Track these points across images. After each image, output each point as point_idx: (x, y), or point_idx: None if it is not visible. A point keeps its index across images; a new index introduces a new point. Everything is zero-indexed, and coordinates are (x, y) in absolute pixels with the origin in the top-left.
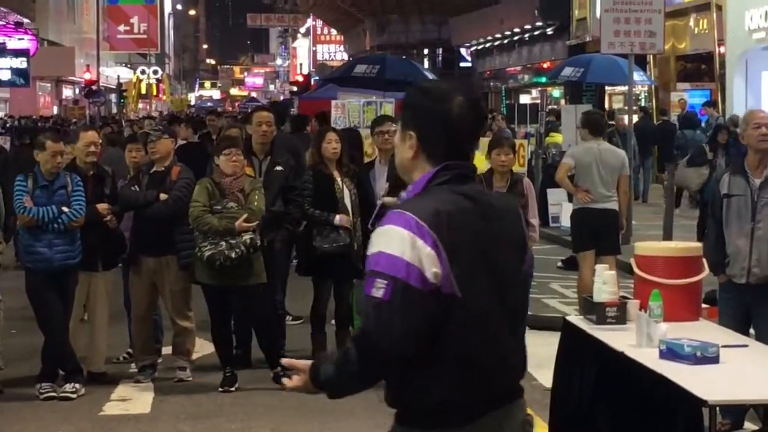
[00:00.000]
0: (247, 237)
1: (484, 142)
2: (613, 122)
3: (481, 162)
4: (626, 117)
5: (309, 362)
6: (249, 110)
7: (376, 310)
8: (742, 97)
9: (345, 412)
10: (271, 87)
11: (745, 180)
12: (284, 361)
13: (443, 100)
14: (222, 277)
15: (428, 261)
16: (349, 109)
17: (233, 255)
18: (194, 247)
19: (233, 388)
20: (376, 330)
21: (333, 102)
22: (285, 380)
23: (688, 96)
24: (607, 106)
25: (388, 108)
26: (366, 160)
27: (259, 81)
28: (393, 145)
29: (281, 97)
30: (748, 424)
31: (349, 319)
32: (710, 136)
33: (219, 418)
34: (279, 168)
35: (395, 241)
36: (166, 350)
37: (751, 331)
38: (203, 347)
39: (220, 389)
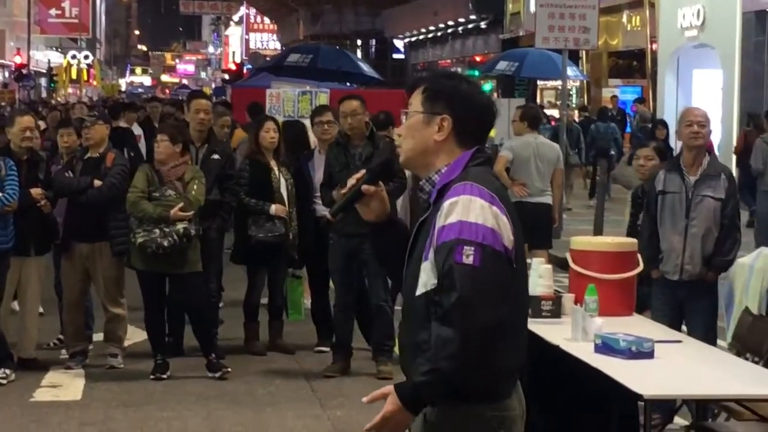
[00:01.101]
0: (180, 226)
1: None
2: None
3: None
4: (575, 112)
5: (388, 388)
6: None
7: (471, 276)
8: (673, 95)
9: (276, 400)
10: (203, 74)
11: (680, 177)
12: (365, 400)
13: (477, 87)
14: (156, 264)
15: (505, 228)
16: (284, 98)
17: (165, 243)
18: (130, 232)
19: (165, 376)
20: (475, 296)
21: (268, 91)
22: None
23: (620, 92)
24: (538, 100)
25: (323, 98)
26: None
27: (190, 68)
28: (332, 135)
29: (213, 85)
30: (678, 420)
31: (283, 308)
32: (648, 133)
33: (150, 406)
34: (216, 156)
35: (475, 209)
36: (97, 337)
37: (683, 327)
38: (134, 334)
39: (152, 377)
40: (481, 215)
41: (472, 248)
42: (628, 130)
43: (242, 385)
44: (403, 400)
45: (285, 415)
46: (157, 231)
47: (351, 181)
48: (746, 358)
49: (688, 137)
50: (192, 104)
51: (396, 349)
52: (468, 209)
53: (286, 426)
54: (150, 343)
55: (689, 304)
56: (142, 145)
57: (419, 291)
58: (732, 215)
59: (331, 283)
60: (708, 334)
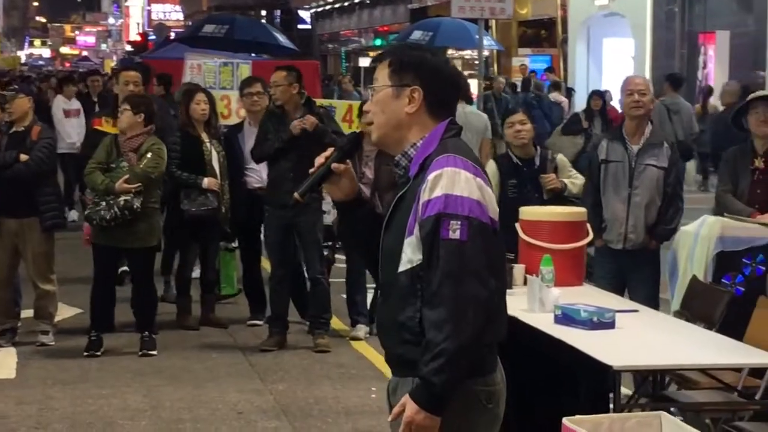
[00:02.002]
0: (122, 199)
1: (341, 105)
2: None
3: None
4: (503, 80)
5: (405, 398)
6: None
7: (457, 252)
8: (584, 63)
9: (215, 375)
10: (104, 46)
11: (623, 146)
12: (390, 419)
13: (445, 59)
14: (109, 238)
15: (491, 200)
16: (205, 69)
17: (108, 216)
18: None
19: (99, 353)
20: (463, 272)
21: (188, 62)
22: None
23: (530, 61)
24: None
25: (246, 69)
26: (223, 122)
27: (90, 40)
28: (262, 107)
29: (114, 57)
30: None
31: (216, 282)
32: (587, 104)
33: (88, 383)
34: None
35: (460, 182)
36: (25, 314)
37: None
38: (62, 310)
39: (86, 353)
40: (467, 188)
41: (459, 222)
42: None
43: (179, 361)
44: (421, 403)
45: (226, 390)
46: (103, 203)
47: (319, 160)
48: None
49: (629, 107)
50: (121, 76)
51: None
52: (453, 182)
53: (229, 401)
54: (90, 318)
55: (632, 272)
56: (81, 120)
57: (403, 267)
58: (675, 184)
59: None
60: (650, 303)
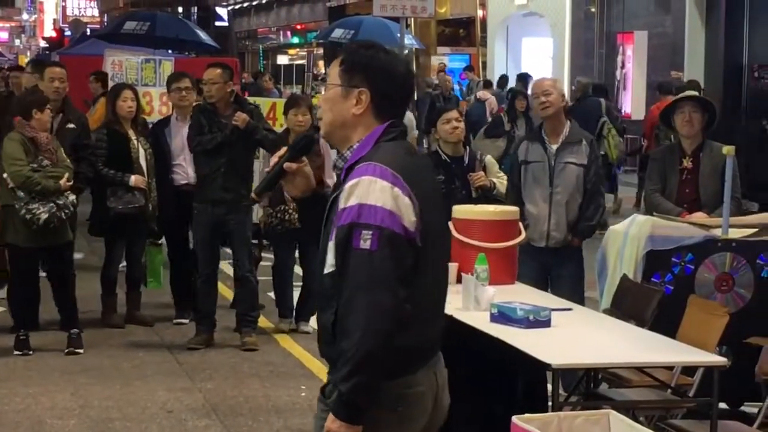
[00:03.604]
0: (72, 197)
1: (264, 102)
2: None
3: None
4: (448, 79)
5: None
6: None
7: (366, 261)
8: (503, 62)
9: (144, 374)
10: (17, 42)
11: (542, 146)
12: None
13: (395, 58)
14: (42, 239)
15: (406, 209)
16: (126, 66)
17: (63, 216)
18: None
19: (31, 352)
20: (371, 281)
21: (109, 59)
22: None
23: (448, 60)
24: None
25: (168, 66)
26: (149, 118)
27: (4, 35)
28: (190, 102)
29: (27, 53)
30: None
31: (141, 280)
32: (507, 104)
33: (14, 381)
34: (71, 125)
35: (375, 191)
36: None
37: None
38: None
39: (17, 352)
40: (381, 197)
41: (370, 232)
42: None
43: (106, 359)
44: (336, 413)
45: (154, 388)
46: (53, 204)
47: (273, 159)
48: None
49: (538, 108)
50: (46, 72)
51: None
52: (368, 191)
53: (158, 400)
54: (14, 317)
55: (555, 270)
56: None
57: (327, 270)
58: (595, 180)
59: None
60: (574, 299)
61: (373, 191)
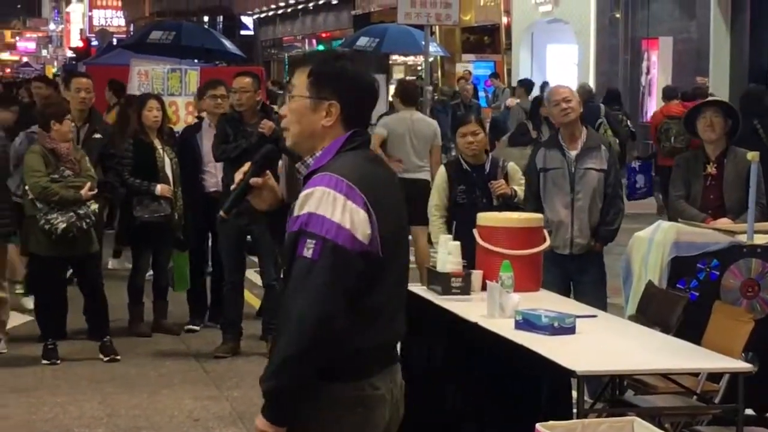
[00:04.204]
0: (94, 206)
1: None
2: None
3: None
4: (469, 88)
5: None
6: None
7: (306, 269)
8: (528, 69)
9: (170, 382)
10: (44, 52)
11: (561, 153)
12: None
13: (361, 68)
14: (64, 248)
15: (360, 222)
16: (152, 76)
17: (84, 226)
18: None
19: (59, 361)
20: (307, 289)
21: (135, 69)
22: None
23: (474, 67)
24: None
25: (194, 75)
26: (175, 128)
27: (31, 46)
28: (225, 110)
29: (55, 63)
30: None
31: (167, 289)
32: (531, 111)
33: (42, 390)
34: (97, 135)
35: (325, 202)
36: None
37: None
38: (13, 319)
39: (45, 362)
40: (330, 209)
41: (314, 241)
42: (484, 104)
43: (133, 368)
44: (262, 411)
45: (181, 397)
46: (73, 214)
47: (238, 176)
48: None
49: (560, 116)
50: (72, 82)
51: None
52: (319, 202)
53: (185, 408)
54: (41, 327)
55: (577, 276)
56: None
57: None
58: (614, 184)
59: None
60: (598, 305)
61: (324, 202)
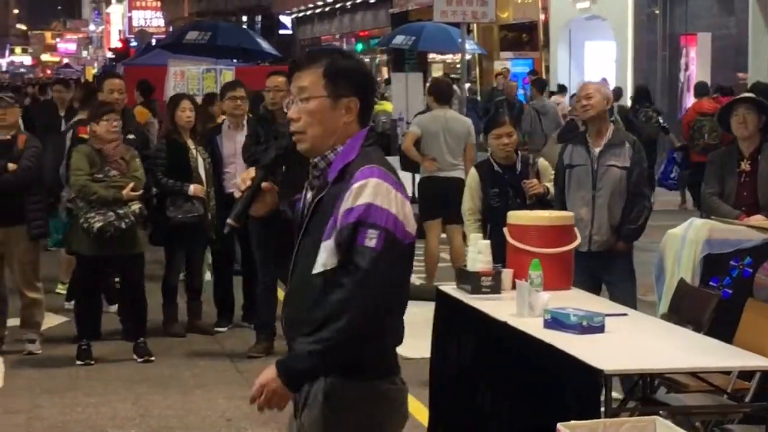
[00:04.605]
0: (135, 207)
1: None
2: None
3: None
4: (513, 85)
5: (269, 369)
6: (62, 76)
7: (370, 259)
8: (566, 67)
9: (203, 383)
10: (84, 53)
11: (585, 150)
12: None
13: (365, 63)
14: (107, 248)
15: (408, 214)
16: (188, 76)
17: (123, 225)
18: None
19: (93, 361)
20: (371, 279)
21: (171, 69)
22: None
23: (511, 65)
24: (428, 73)
25: (229, 75)
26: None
27: (72, 47)
28: (244, 111)
29: (95, 64)
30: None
31: (201, 289)
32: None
33: (76, 391)
34: (131, 136)
35: (381, 193)
36: (11, 322)
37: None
38: (49, 319)
39: (79, 362)
40: (387, 200)
41: (377, 232)
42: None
43: (167, 369)
44: (283, 373)
45: (214, 397)
46: (112, 214)
47: (246, 182)
48: None
49: (580, 111)
50: (105, 84)
51: None
52: (377, 193)
53: (217, 408)
54: (78, 326)
55: (604, 275)
56: None
57: (317, 270)
58: (637, 182)
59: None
60: (626, 304)
61: (381, 193)
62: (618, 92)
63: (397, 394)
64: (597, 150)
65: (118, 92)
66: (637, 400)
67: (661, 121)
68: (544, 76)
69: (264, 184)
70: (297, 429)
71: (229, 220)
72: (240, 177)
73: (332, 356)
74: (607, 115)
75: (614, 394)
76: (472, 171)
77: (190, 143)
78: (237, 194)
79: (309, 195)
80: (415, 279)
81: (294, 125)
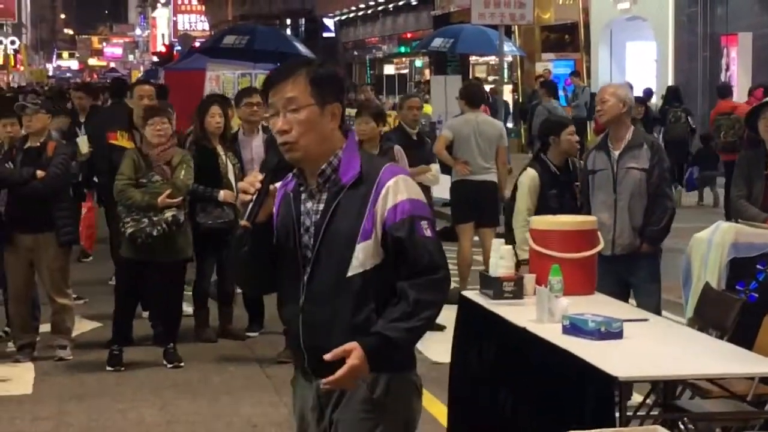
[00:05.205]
0: (169, 214)
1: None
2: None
3: None
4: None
5: (352, 344)
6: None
7: (435, 246)
8: (607, 67)
9: (231, 388)
10: (131, 57)
11: (606, 154)
12: (327, 357)
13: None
14: (147, 253)
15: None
16: (223, 81)
17: (154, 233)
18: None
19: (123, 367)
20: (442, 263)
21: (207, 74)
22: (326, 381)
23: (553, 66)
24: (470, 76)
25: (263, 79)
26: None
27: (118, 51)
28: (260, 117)
29: (141, 68)
30: (636, 395)
31: (233, 294)
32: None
33: (105, 398)
34: None
35: (412, 187)
36: (43, 327)
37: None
38: (80, 324)
39: (110, 368)
40: (415, 192)
41: (426, 222)
42: (564, 103)
43: (196, 374)
44: (369, 355)
45: (241, 403)
46: (146, 220)
47: (255, 185)
48: (709, 334)
49: (597, 115)
50: (135, 90)
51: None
52: (408, 187)
53: (243, 414)
54: (114, 331)
55: (630, 278)
56: None
57: (354, 271)
58: (658, 184)
59: None
60: (649, 307)
61: (411, 187)
62: (648, 93)
63: (421, 386)
64: (617, 153)
65: (148, 98)
66: (659, 407)
67: (691, 121)
68: (585, 78)
69: (271, 188)
70: (326, 428)
71: (242, 222)
72: (246, 180)
73: (413, 344)
74: (625, 118)
75: (638, 396)
76: (531, 172)
77: (220, 149)
78: (244, 197)
79: (311, 203)
80: None
81: (285, 137)
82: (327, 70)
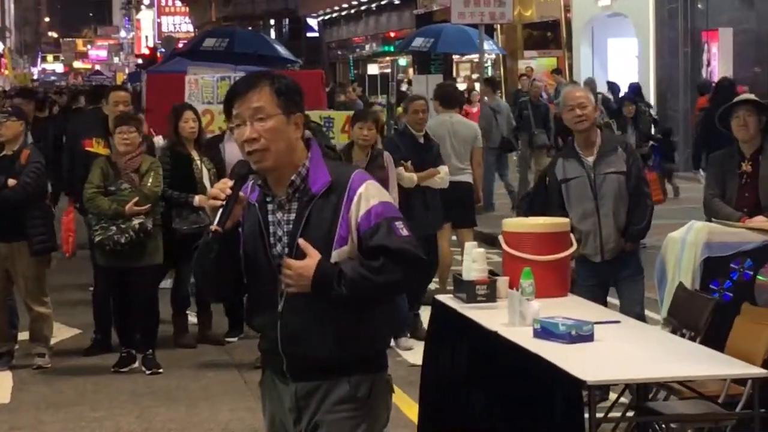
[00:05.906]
0: (136, 222)
1: (339, 116)
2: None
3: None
4: (540, 86)
5: (316, 255)
6: (93, 83)
7: (412, 243)
8: (589, 64)
9: (209, 394)
10: (116, 60)
11: (578, 162)
12: (300, 241)
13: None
14: (117, 260)
15: None
16: (202, 84)
17: (123, 240)
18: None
19: (140, 365)
20: (422, 257)
21: (187, 78)
22: (290, 261)
23: (535, 64)
24: (454, 74)
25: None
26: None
27: (103, 54)
28: None
29: (126, 70)
30: (613, 395)
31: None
32: (615, 111)
33: (82, 406)
34: None
35: (380, 191)
36: (22, 335)
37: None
38: (60, 331)
39: (122, 369)
40: (385, 195)
41: (401, 222)
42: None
43: (174, 380)
44: (319, 275)
45: (219, 408)
46: (114, 228)
47: (226, 191)
48: (682, 335)
49: (573, 122)
50: (111, 96)
51: None
52: (379, 192)
53: (220, 420)
54: (118, 334)
55: (614, 276)
56: None
57: None
58: (636, 184)
59: None
60: (635, 300)
61: (380, 192)
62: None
63: (392, 384)
64: (590, 159)
65: (123, 104)
66: (632, 408)
67: (653, 114)
68: (567, 76)
69: (241, 195)
70: (302, 430)
71: (212, 227)
72: (216, 186)
73: (364, 291)
74: (594, 124)
75: (622, 400)
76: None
77: (195, 154)
78: (214, 203)
79: (280, 214)
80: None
81: (254, 145)
82: (289, 81)
